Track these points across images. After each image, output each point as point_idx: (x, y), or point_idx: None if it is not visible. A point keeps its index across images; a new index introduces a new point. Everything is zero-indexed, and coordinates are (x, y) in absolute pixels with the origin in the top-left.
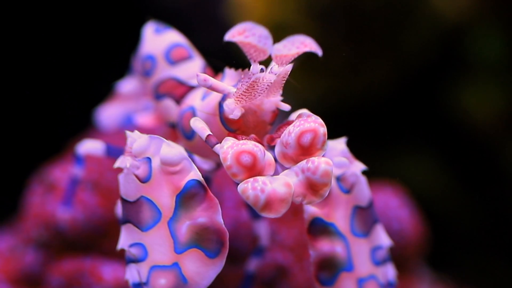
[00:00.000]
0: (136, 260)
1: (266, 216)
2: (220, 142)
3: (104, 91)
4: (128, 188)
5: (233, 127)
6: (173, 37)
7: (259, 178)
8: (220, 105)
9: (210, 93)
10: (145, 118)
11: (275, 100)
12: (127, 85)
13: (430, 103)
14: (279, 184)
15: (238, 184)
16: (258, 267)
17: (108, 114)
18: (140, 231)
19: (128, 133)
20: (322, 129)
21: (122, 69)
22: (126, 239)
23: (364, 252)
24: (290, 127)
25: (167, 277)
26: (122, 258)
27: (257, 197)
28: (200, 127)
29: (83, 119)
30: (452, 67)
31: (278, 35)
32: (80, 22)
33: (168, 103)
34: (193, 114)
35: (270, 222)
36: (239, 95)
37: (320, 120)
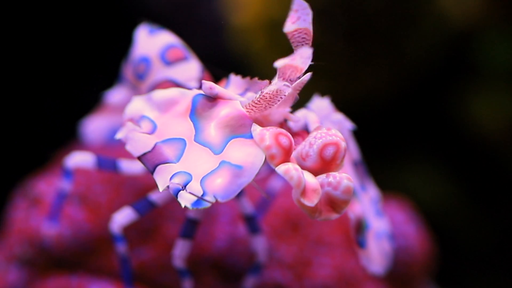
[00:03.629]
0: (183, 187)
1: (304, 202)
2: None
3: (91, 100)
4: (139, 145)
5: None
6: (168, 38)
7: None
8: None
9: None
10: None
11: (283, 112)
12: (115, 95)
13: (436, 111)
14: (308, 175)
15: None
16: (255, 286)
17: (94, 127)
18: (173, 164)
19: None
20: (343, 143)
21: (111, 77)
22: (163, 178)
23: (368, 206)
24: (311, 139)
25: (220, 175)
26: (111, 276)
27: (300, 179)
28: None
29: (68, 130)
30: (460, 73)
31: (274, 33)
32: (66, 29)
33: None
34: None
35: (268, 238)
36: (251, 106)
37: (340, 134)
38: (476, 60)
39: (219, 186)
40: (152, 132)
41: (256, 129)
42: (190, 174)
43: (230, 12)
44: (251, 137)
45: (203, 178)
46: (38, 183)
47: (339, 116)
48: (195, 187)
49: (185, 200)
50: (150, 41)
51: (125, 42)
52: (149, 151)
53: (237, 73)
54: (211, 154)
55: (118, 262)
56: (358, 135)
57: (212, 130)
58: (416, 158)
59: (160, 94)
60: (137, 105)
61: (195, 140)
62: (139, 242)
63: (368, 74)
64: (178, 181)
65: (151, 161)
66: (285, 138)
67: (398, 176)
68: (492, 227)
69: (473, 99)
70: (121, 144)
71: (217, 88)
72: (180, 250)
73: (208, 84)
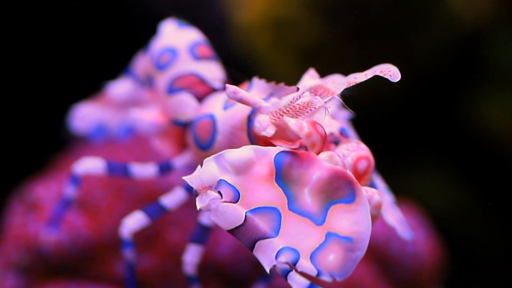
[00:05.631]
0: (292, 266)
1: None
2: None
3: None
4: (227, 217)
5: (262, 145)
6: (197, 35)
7: None
8: (250, 119)
9: (234, 103)
10: (147, 113)
11: None
12: (119, 87)
13: (446, 113)
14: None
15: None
16: None
17: (84, 115)
18: (273, 239)
19: (187, 177)
20: (372, 159)
21: (112, 76)
22: (267, 256)
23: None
24: (343, 151)
25: (331, 250)
26: (110, 283)
27: (344, 166)
28: None
29: (61, 132)
30: (470, 74)
31: (279, 31)
32: (66, 29)
33: (185, 98)
34: (212, 123)
35: None
36: (278, 113)
37: (368, 149)
38: (487, 61)
39: (334, 263)
40: (236, 200)
41: (291, 119)
42: (296, 251)
43: (234, 11)
44: (350, 201)
45: (312, 254)
46: (35, 188)
47: (336, 102)
48: (307, 266)
49: (298, 284)
50: (179, 34)
51: (128, 41)
52: (242, 225)
53: (241, 72)
54: (312, 225)
55: (124, 269)
56: (364, 136)
57: (307, 197)
58: (425, 162)
59: (234, 155)
60: (211, 169)
61: (289, 209)
62: (140, 248)
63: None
64: (285, 259)
65: (247, 236)
66: (321, 127)
67: (406, 180)
68: (503, 232)
69: (483, 100)
70: (106, 143)
71: (241, 93)
72: (191, 256)
73: (232, 88)
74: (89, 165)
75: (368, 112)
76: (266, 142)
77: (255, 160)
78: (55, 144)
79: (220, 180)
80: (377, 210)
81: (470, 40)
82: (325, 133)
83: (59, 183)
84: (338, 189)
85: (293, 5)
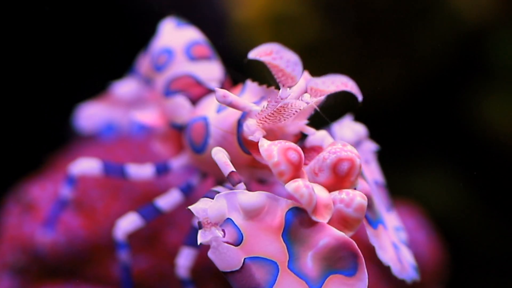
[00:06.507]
0: None
1: (315, 220)
2: (237, 171)
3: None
4: (225, 259)
5: (251, 149)
6: (195, 34)
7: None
8: (239, 123)
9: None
10: (146, 116)
11: (299, 124)
12: (124, 87)
13: (447, 112)
14: (318, 190)
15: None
16: None
17: (90, 114)
18: None
19: (193, 207)
20: (359, 160)
21: (110, 79)
22: None
23: (380, 199)
24: (325, 154)
25: None
26: (107, 285)
27: (311, 196)
28: (223, 161)
29: (64, 132)
30: (472, 73)
31: (279, 28)
32: (64, 28)
33: (180, 101)
34: (205, 126)
35: None
36: (264, 117)
37: (356, 150)
38: (489, 60)
39: None
40: (238, 243)
41: (263, 144)
42: None
43: (233, 8)
44: (351, 274)
45: None
46: (31, 188)
47: (359, 127)
48: None
49: None
50: (177, 34)
51: (126, 40)
52: (238, 271)
53: (240, 71)
54: None
55: (119, 270)
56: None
57: (309, 260)
58: (426, 162)
59: (248, 199)
60: (221, 207)
61: (288, 267)
62: (138, 249)
63: (376, 72)
64: None
65: (240, 282)
66: (294, 153)
67: (406, 181)
68: (505, 233)
69: (485, 100)
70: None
71: (231, 97)
72: (184, 259)
73: (221, 92)
74: (85, 165)
75: (368, 111)
76: (256, 147)
77: (267, 209)
78: (51, 144)
79: (228, 218)
80: (359, 213)
81: (472, 39)
82: (299, 158)
83: (55, 184)
84: (341, 260)
85: (293, 1)
